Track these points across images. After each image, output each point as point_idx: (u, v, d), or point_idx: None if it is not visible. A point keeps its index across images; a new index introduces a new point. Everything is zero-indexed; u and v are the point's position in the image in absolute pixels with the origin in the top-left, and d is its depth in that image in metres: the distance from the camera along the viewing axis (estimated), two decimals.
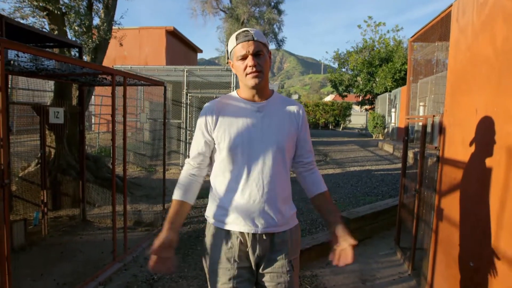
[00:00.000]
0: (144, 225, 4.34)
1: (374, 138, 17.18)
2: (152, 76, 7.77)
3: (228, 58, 1.50)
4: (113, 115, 3.34)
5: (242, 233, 1.42)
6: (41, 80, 5.16)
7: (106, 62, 6.14)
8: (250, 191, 1.40)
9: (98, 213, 4.74)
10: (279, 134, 1.44)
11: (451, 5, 2.56)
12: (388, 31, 35.13)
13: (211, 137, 1.46)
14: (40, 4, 4.72)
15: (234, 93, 1.52)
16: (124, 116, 3.49)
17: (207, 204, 1.55)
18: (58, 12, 4.91)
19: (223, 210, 1.44)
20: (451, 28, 2.54)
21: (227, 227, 1.43)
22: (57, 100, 4.68)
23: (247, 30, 1.41)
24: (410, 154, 6.25)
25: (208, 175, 1.57)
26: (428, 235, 2.84)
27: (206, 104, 1.51)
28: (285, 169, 1.47)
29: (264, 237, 1.43)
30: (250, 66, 1.38)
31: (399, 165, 6.63)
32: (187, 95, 8.28)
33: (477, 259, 1.98)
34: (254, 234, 1.42)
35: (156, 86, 4.49)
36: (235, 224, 1.41)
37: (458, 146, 2.31)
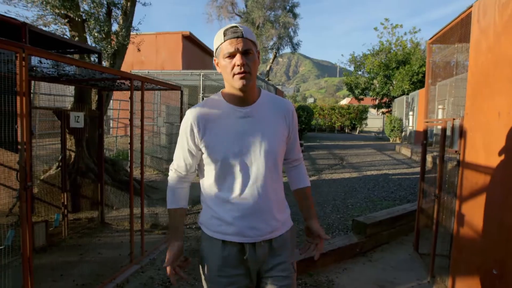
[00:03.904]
0: (161, 228, 4.38)
1: (391, 141, 16.92)
2: (169, 81, 7.89)
3: (214, 56, 1.38)
4: (131, 119, 3.40)
5: (239, 243, 1.38)
6: (62, 85, 5.30)
7: (124, 67, 6.27)
8: (245, 201, 1.34)
9: (116, 216, 4.82)
10: (269, 139, 1.37)
11: (471, 6, 2.51)
12: (405, 33, 34.69)
13: (197, 148, 1.39)
14: (62, 12, 4.87)
15: (219, 96, 1.41)
16: (142, 120, 3.54)
17: None
18: (79, 19, 5.05)
19: (218, 221, 1.38)
20: (471, 29, 2.48)
21: (223, 238, 1.38)
22: (77, 105, 4.80)
23: (236, 26, 1.30)
24: (429, 158, 6.11)
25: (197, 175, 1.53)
26: (448, 241, 2.77)
27: (189, 111, 1.39)
28: (277, 173, 1.42)
29: (262, 243, 1.38)
30: (238, 66, 1.27)
31: (417, 169, 6.50)
32: (203, 99, 8.37)
33: (500, 266, 1.92)
34: (251, 243, 1.37)
35: (173, 91, 4.55)
36: (231, 235, 1.36)
37: (480, 150, 2.25)
